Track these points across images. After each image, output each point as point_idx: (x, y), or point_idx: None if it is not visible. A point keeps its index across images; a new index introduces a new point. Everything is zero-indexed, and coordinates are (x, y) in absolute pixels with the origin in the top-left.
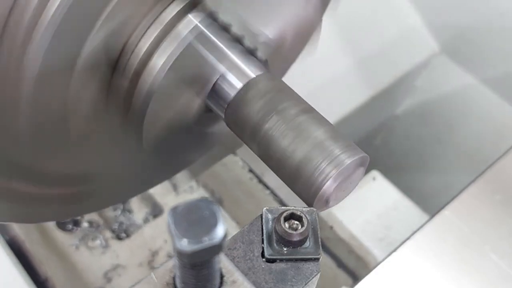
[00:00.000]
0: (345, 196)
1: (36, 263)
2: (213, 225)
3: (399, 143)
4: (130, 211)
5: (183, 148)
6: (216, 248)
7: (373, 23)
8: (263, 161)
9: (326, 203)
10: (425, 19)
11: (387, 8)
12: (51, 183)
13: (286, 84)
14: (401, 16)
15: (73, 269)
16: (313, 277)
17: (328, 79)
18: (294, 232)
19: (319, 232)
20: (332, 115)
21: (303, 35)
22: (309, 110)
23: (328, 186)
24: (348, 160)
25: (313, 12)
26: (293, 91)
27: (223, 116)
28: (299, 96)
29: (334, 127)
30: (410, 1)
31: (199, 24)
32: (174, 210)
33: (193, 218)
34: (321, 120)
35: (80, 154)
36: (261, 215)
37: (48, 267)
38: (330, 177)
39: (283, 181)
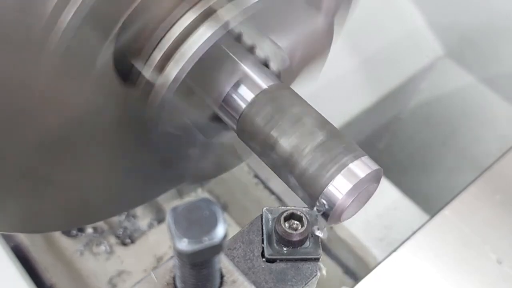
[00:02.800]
0: (358, 211)
1: (41, 270)
2: (213, 225)
3: (403, 146)
4: (134, 217)
5: (189, 159)
6: (216, 248)
7: (378, 25)
8: (276, 174)
9: (339, 218)
10: (430, 22)
11: (391, 11)
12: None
13: (298, 95)
14: (406, 19)
15: (78, 276)
16: (313, 277)
17: (332, 81)
18: (294, 232)
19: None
20: (336, 118)
21: (311, 54)
22: (323, 122)
23: (343, 201)
24: (362, 173)
25: (324, 32)
26: (307, 102)
27: (235, 128)
28: (314, 108)
29: (348, 140)
30: (414, 4)
31: (214, 34)
32: (174, 210)
33: (193, 218)
34: (336, 133)
35: (89, 163)
36: (261, 215)
37: (53, 274)
38: (345, 191)
39: (297, 195)
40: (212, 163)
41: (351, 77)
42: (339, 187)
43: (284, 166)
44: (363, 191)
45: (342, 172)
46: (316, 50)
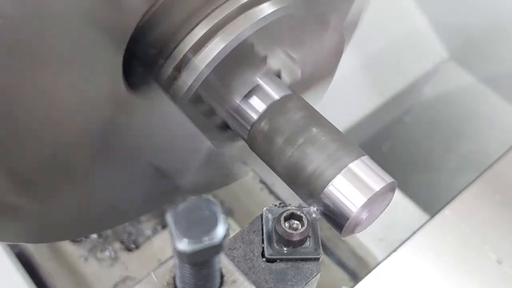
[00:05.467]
0: (372, 222)
1: (45, 275)
2: (213, 225)
3: (406, 149)
4: (138, 221)
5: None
6: (216, 248)
7: (381, 28)
8: (288, 185)
9: (353, 231)
10: (434, 25)
11: (396, 14)
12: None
13: (310, 105)
14: (410, 22)
15: (82, 281)
16: (313, 277)
17: (336, 84)
18: (294, 232)
19: (319, 232)
20: (341, 121)
21: (317, 77)
22: (337, 133)
23: (357, 213)
24: (377, 187)
25: (331, 56)
26: (319, 113)
27: (246, 138)
28: (326, 119)
29: (363, 152)
30: (419, 7)
31: (226, 46)
32: (174, 209)
33: (193, 218)
34: (348, 144)
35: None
36: (261, 215)
37: (57, 280)
38: (359, 205)
39: (308, 205)
40: (216, 174)
41: (355, 80)
42: (353, 200)
43: (294, 177)
44: (378, 204)
45: (354, 184)
46: (324, 67)
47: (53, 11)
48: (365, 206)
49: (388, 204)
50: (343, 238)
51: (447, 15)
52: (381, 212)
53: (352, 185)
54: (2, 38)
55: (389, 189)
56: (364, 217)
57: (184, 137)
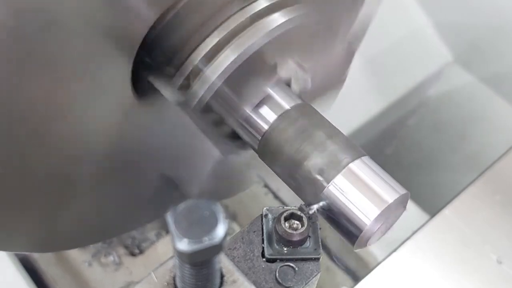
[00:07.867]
0: (384, 234)
1: (49, 281)
2: (213, 225)
3: (410, 152)
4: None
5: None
6: (216, 248)
7: (386, 31)
8: (299, 196)
9: (366, 243)
10: (438, 28)
11: (399, 16)
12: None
13: (321, 115)
14: (414, 24)
15: (86, 287)
16: (313, 277)
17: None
18: (294, 232)
19: (319, 232)
20: (345, 124)
21: (327, 86)
22: (348, 144)
23: (371, 226)
24: (390, 199)
25: (340, 65)
26: (330, 122)
27: (256, 148)
28: (338, 129)
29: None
30: (423, 9)
31: (238, 57)
32: (175, 209)
33: (193, 218)
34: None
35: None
36: (261, 215)
37: (61, 285)
38: (373, 217)
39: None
40: (223, 183)
41: (359, 82)
42: (367, 213)
43: (306, 188)
44: (390, 216)
45: (368, 196)
46: (334, 76)
47: (56, 17)
48: (379, 218)
49: (400, 215)
50: (356, 251)
51: (451, 17)
52: (393, 224)
53: (364, 195)
54: (6, 45)
55: (402, 201)
56: (377, 230)
57: (191, 146)
